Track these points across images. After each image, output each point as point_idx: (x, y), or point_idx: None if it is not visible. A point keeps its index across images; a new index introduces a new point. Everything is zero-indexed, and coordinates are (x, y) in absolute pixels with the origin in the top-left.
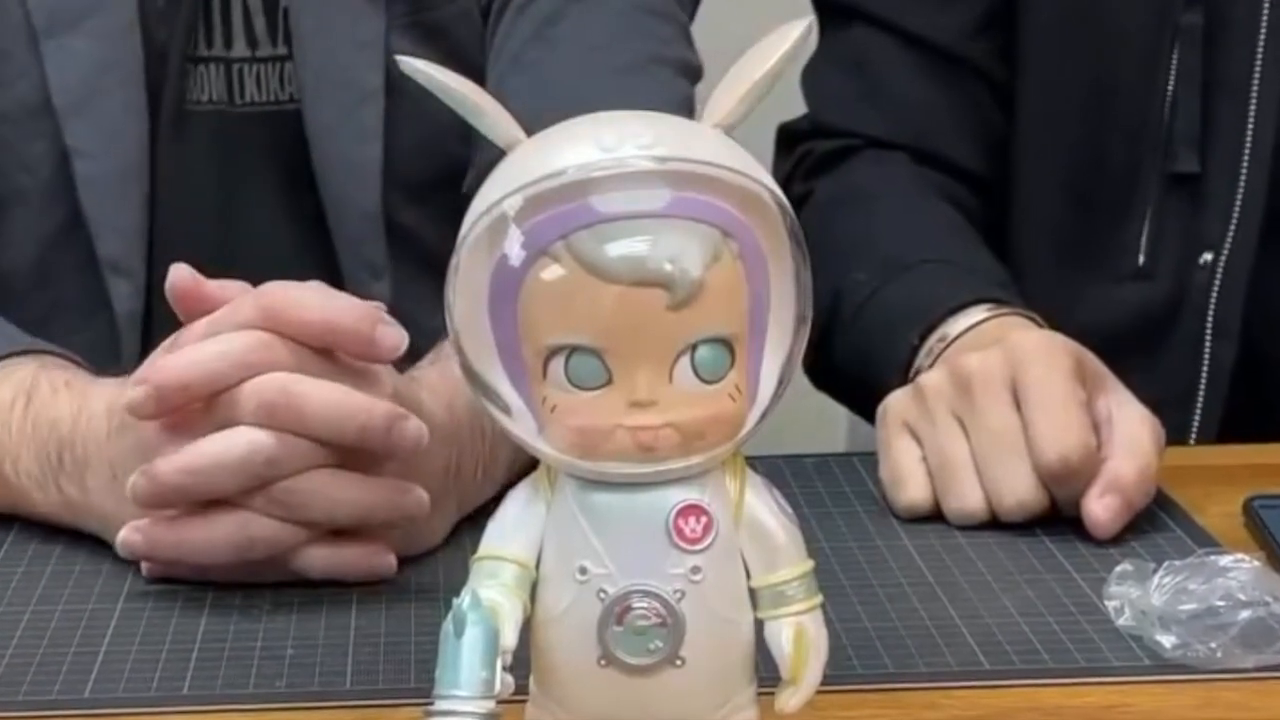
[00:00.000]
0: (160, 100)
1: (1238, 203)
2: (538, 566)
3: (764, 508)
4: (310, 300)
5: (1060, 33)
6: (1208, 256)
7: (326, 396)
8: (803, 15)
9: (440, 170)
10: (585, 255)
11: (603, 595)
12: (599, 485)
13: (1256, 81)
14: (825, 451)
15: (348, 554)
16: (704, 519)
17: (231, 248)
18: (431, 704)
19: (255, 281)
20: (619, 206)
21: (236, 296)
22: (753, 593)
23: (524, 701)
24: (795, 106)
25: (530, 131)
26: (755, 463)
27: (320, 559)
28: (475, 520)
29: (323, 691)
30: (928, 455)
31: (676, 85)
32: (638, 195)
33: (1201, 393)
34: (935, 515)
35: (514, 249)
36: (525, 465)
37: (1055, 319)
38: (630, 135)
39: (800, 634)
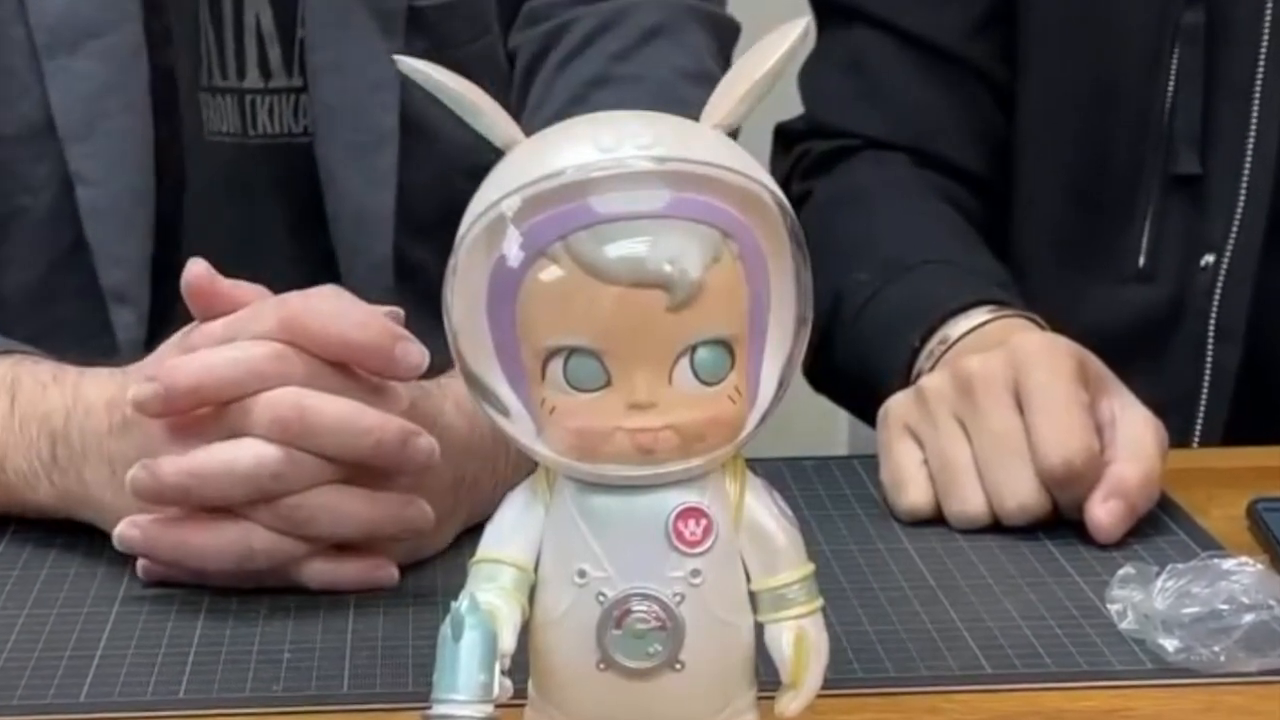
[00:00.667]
0: (169, 128)
1: (1240, 204)
2: (536, 569)
3: (764, 510)
4: (331, 314)
5: (1061, 32)
6: (1209, 258)
7: (340, 412)
8: (801, 15)
9: (450, 207)
10: (584, 256)
11: (602, 598)
12: (598, 488)
13: (1259, 81)
14: (826, 454)
15: (349, 567)
16: (704, 522)
17: (242, 279)
18: (429, 708)
19: None
20: (618, 207)
21: (254, 300)
22: (753, 596)
23: (523, 705)
24: (793, 106)
25: None
26: (755, 465)
27: (322, 572)
28: (474, 524)
29: (320, 696)
30: (929, 458)
31: None
32: (637, 196)
33: (1204, 395)
34: (937, 518)
35: (512, 250)
36: None
37: (1056, 321)
38: (629, 135)
39: (801, 637)
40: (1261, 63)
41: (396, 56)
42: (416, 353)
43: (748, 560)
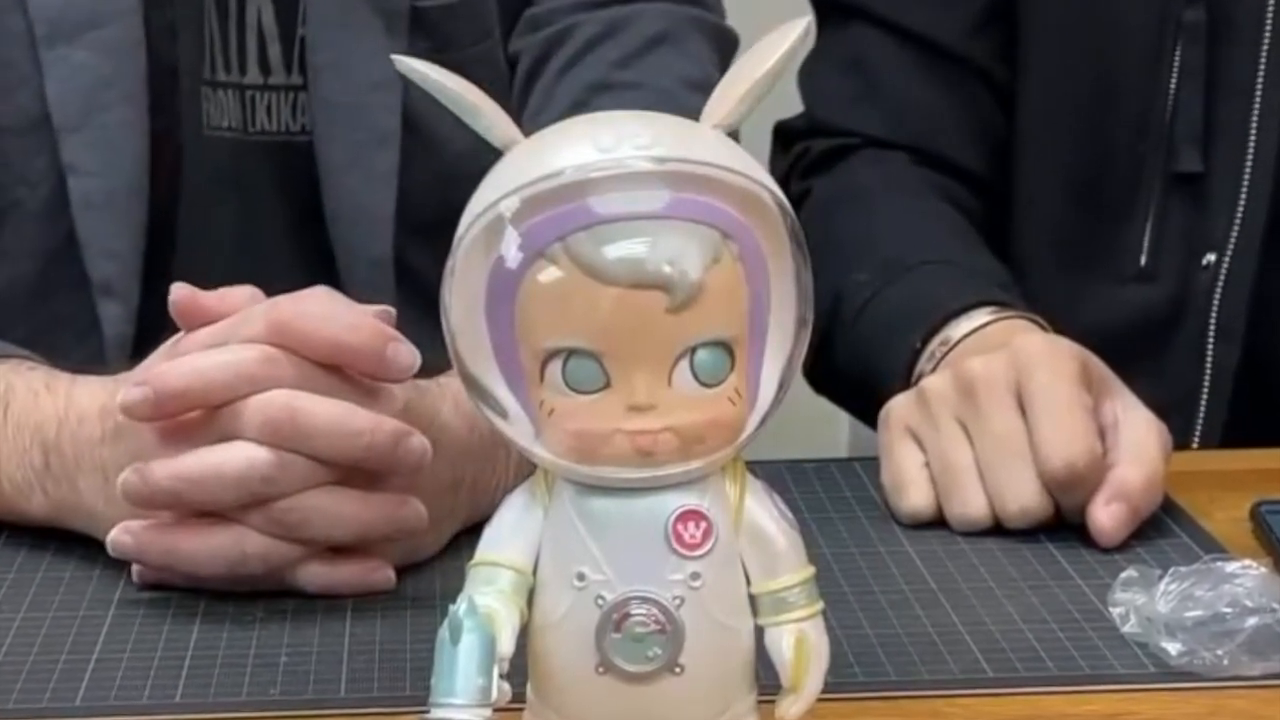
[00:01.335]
0: (165, 123)
1: (1241, 203)
2: (535, 572)
3: (764, 513)
4: (322, 317)
5: (1061, 30)
6: (1211, 257)
7: (331, 414)
8: (802, 15)
9: (450, 210)
10: (583, 257)
11: (601, 602)
12: (597, 490)
13: (1260, 79)
14: (826, 456)
15: (345, 570)
16: (703, 524)
17: (239, 278)
18: (427, 712)
19: None
20: (617, 208)
21: (243, 306)
22: (753, 599)
23: (521, 709)
24: (793, 106)
25: None
26: (755, 467)
27: (317, 575)
28: (472, 527)
29: (317, 700)
30: (930, 460)
31: None
32: (636, 196)
33: (1204, 396)
34: (938, 521)
35: (511, 251)
36: None
37: (1056, 321)
38: (628, 136)
39: (801, 641)
40: (1263, 60)
41: (395, 56)
42: (407, 354)
43: (748, 563)
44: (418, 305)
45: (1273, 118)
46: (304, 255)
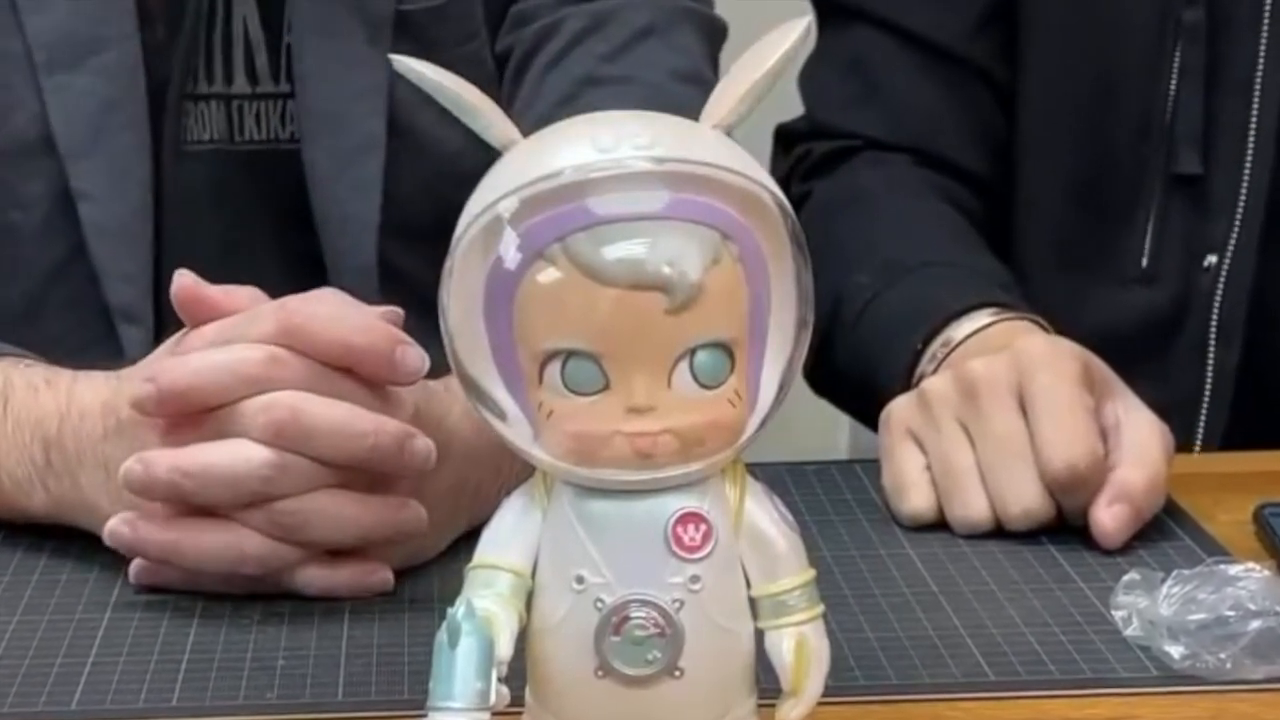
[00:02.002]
0: (159, 141)
1: (1241, 203)
2: (534, 575)
3: (764, 515)
4: (331, 318)
5: (1061, 31)
6: (1211, 259)
7: (336, 416)
8: (802, 15)
9: (438, 215)
10: (582, 258)
11: (600, 605)
12: (596, 492)
13: (1259, 79)
14: (827, 458)
15: (343, 572)
16: (703, 527)
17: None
18: (425, 715)
19: None
20: (616, 208)
21: (246, 303)
22: (753, 602)
23: (520, 713)
24: (793, 106)
25: None
26: (756, 469)
27: (316, 578)
28: (471, 530)
29: (314, 703)
30: (932, 463)
31: None
32: (635, 197)
33: (1206, 398)
34: (939, 524)
35: (509, 252)
36: None
37: (1058, 323)
38: (628, 136)
39: (801, 644)
40: (1261, 59)
41: (392, 56)
42: (415, 357)
43: (748, 566)
44: (405, 307)
45: (1271, 117)
46: (292, 261)
